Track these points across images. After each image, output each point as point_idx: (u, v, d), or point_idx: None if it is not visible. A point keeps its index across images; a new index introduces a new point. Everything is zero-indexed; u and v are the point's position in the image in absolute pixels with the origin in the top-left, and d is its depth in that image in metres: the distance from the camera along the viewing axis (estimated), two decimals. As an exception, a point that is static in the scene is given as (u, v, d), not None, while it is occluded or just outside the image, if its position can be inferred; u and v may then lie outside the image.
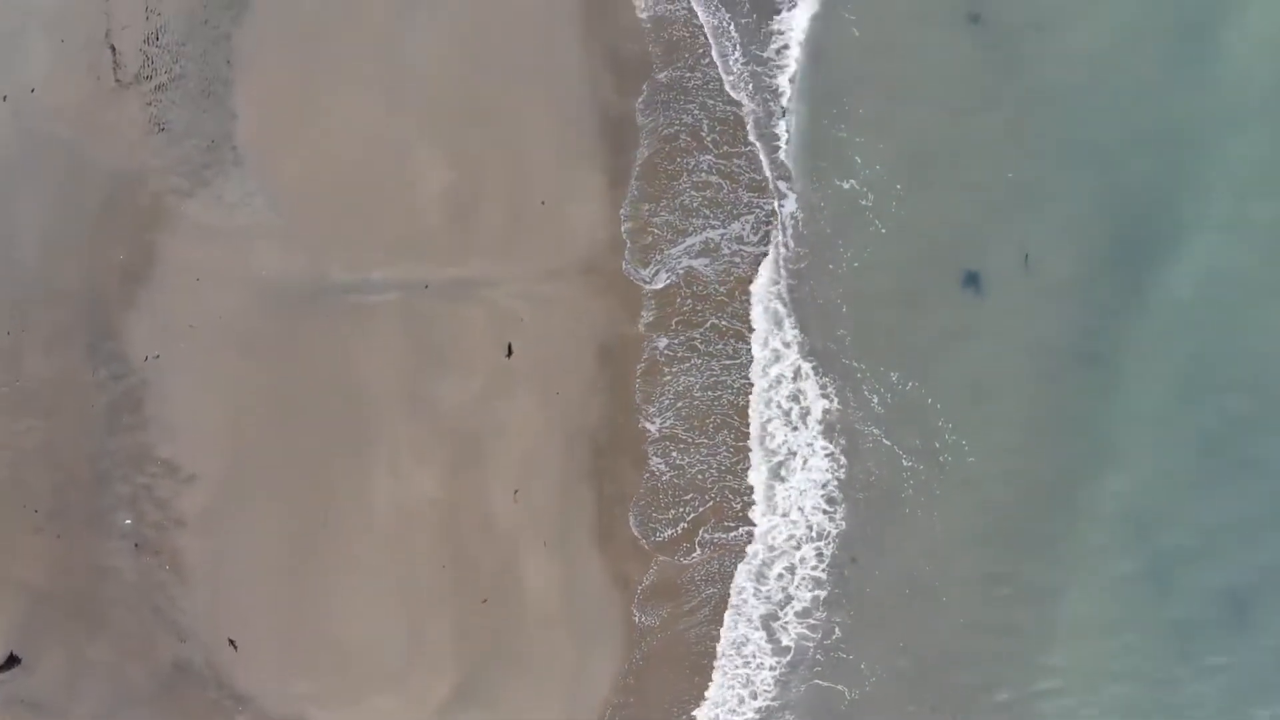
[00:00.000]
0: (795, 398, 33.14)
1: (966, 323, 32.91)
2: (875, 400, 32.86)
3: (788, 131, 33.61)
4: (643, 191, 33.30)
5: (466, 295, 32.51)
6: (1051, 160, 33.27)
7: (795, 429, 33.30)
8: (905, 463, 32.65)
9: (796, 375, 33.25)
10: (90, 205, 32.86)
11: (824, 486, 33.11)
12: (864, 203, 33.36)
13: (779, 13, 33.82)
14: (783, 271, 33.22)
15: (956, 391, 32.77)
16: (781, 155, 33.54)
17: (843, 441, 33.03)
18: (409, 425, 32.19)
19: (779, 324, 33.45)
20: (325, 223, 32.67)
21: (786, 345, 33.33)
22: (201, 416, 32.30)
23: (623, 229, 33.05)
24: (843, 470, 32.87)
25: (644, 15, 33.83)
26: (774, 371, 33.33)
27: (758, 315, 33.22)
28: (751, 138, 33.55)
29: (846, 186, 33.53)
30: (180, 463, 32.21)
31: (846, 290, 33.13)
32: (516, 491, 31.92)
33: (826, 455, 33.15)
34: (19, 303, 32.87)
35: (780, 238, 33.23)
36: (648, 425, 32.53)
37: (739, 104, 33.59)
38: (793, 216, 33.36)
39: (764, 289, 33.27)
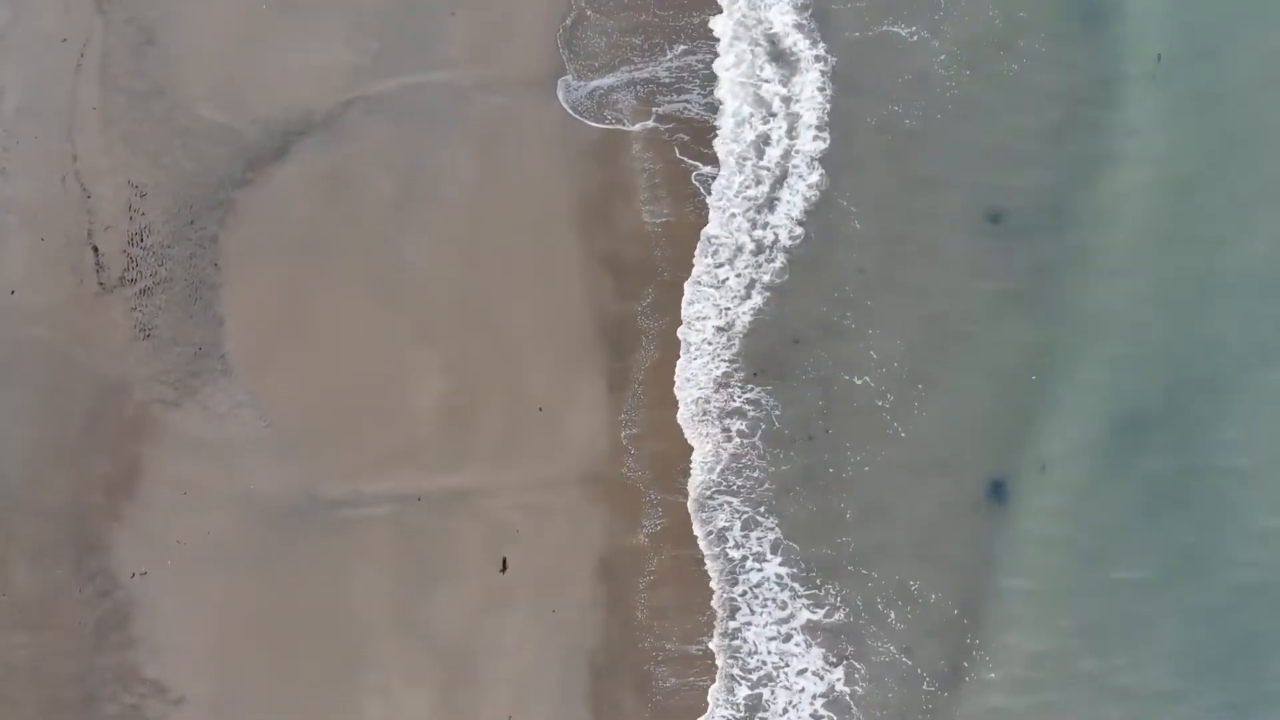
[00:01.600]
0: (783, 619, 32.19)
1: (992, 533, 31.97)
2: (893, 615, 31.86)
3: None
4: (647, 396, 32.37)
5: (460, 507, 31.49)
6: (1074, 365, 32.36)
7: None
8: (926, 687, 31.63)
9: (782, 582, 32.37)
10: (74, 414, 31.92)
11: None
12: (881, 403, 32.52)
13: (789, 213, 32.84)
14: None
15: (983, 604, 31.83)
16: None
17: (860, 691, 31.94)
18: (400, 645, 31.19)
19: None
20: (316, 434, 31.69)
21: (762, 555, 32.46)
22: (190, 636, 31.38)
23: (623, 435, 32.00)
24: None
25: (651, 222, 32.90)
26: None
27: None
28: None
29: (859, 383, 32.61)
30: (169, 684, 31.34)
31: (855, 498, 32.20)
32: (510, 717, 31.01)
33: None
34: (3, 514, 32.09)
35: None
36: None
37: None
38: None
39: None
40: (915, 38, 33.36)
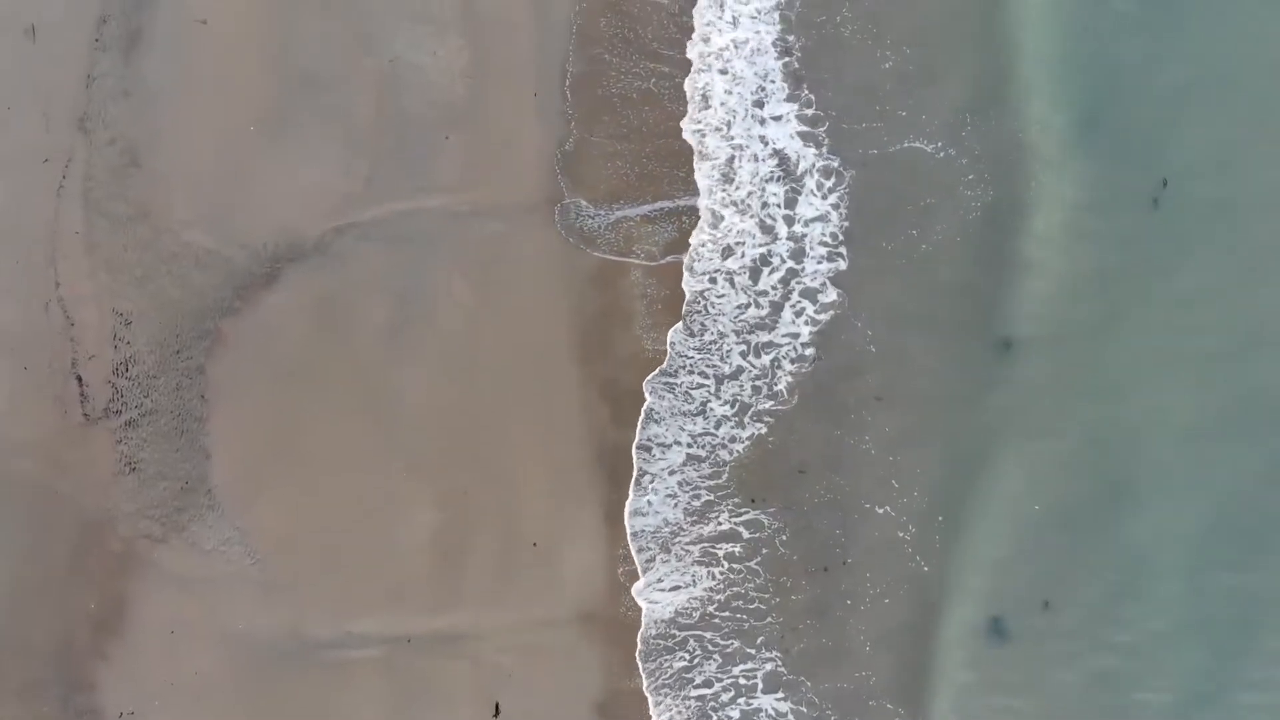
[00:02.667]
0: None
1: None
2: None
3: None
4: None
5: (451, 649, 30.82)
6: (1080, 498, 31.74)
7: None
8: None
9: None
10: (59, 549, 31.20)
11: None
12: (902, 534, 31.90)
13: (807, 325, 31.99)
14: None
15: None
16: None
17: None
18: (392, 791, 30.82)
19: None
20: (305, 572, 30.99)
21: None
22: (178, 777, 31.03)
23: (620, 572, 31.28)
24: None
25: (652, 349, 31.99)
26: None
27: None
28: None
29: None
30: (156, 825, 30.99)
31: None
32: None
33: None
34: (-13, 649, 31.56)
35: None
36: (645, 791, 31.06)
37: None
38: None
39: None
40: (941, 154, 32.71)
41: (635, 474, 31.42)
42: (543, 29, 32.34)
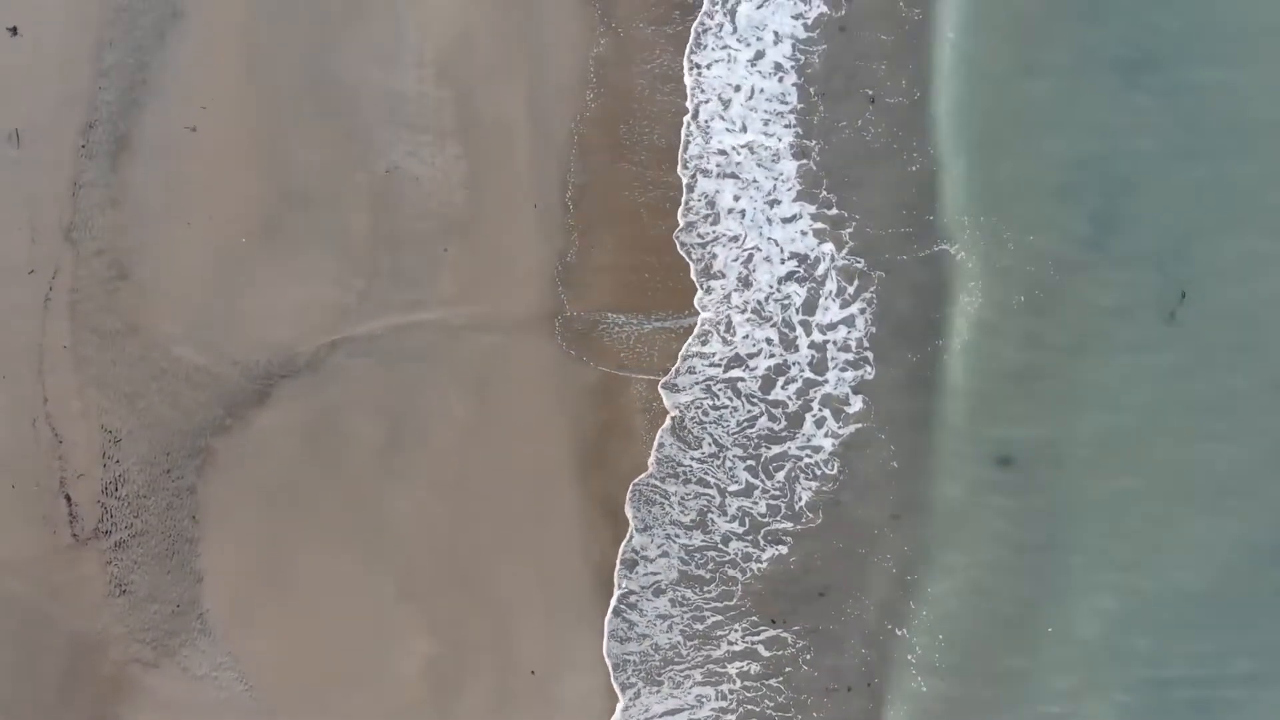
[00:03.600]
0: None
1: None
2: None
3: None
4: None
5: (449, 779, 30.31)
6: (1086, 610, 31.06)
7: None
8: None
9: None
10: (49, 671, 30.43)
11: None
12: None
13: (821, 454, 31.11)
14: None
15: None
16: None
17: None
18: None
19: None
20: (297, 699, 30.30)
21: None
22: None
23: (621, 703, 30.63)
24: None
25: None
26: None
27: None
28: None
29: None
30: None
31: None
32: None
33: None
34: (-23, 772, 31.05)
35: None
36: None
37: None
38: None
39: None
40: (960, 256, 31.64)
41: (616, 595, 30.71)
42: (543, 138, 31.33)
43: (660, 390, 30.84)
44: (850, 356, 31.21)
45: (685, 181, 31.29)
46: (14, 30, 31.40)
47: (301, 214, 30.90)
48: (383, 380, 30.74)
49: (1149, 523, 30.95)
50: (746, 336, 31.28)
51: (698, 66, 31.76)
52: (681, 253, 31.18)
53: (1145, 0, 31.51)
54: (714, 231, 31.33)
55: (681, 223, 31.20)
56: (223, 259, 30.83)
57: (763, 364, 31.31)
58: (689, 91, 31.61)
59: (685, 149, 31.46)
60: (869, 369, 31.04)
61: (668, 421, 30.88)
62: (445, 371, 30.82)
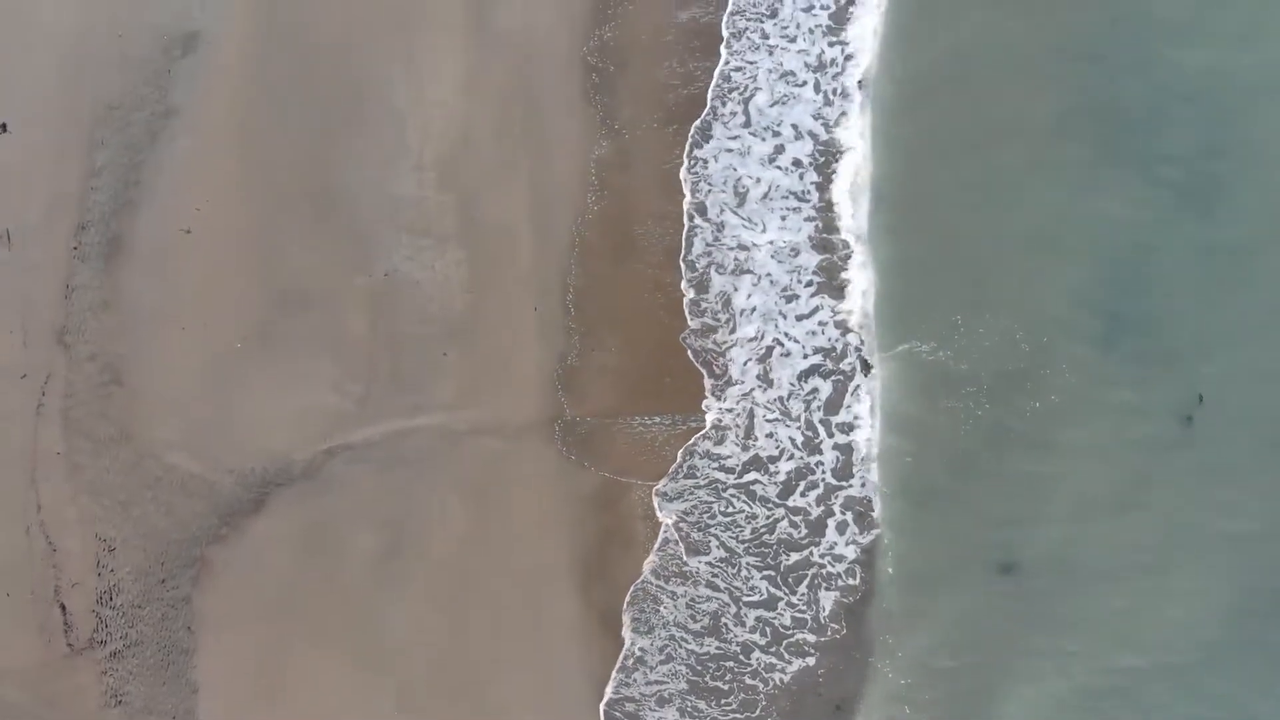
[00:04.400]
0: None
1: None
2: None
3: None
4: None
5: None
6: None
7: None
8: None
9: None
10: (44, 784, 30.38)
11: None
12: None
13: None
14: None
15: None
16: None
17: None
18: None
19: None
20: (295, 817, 30.12)
21: None
22: None
23: (624, 816, 30.36)
24: None
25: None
26: None
27: None
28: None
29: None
30: None
31: None
32: None
33: None
34: None
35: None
36: None
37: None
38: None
39: None
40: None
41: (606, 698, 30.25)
42: (544, 241, 30.91)
43: (654, 496, 30.58)
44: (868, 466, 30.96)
45: (690, 279, 31.06)
46: (3, 127, 30.91)
47: (299, 318, 30.47)
48: (380, 487, 30.30)
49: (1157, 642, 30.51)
50: (753, 438, 30.99)
51: (701, 162, 31.48)
52: (690, 357, 30.88)
53: (1171, 114, 31.43)
54: (724, 331, 31.01)
55: (690, 324, 30.99)
56: (218, 364, 30.36)
57: (783, 466, 31.09)
58: (689, 189, 31.33)
59: (689, 248, 31.20)
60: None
61: (666, 527, 30.62)
62: (444, 477, 30.41)
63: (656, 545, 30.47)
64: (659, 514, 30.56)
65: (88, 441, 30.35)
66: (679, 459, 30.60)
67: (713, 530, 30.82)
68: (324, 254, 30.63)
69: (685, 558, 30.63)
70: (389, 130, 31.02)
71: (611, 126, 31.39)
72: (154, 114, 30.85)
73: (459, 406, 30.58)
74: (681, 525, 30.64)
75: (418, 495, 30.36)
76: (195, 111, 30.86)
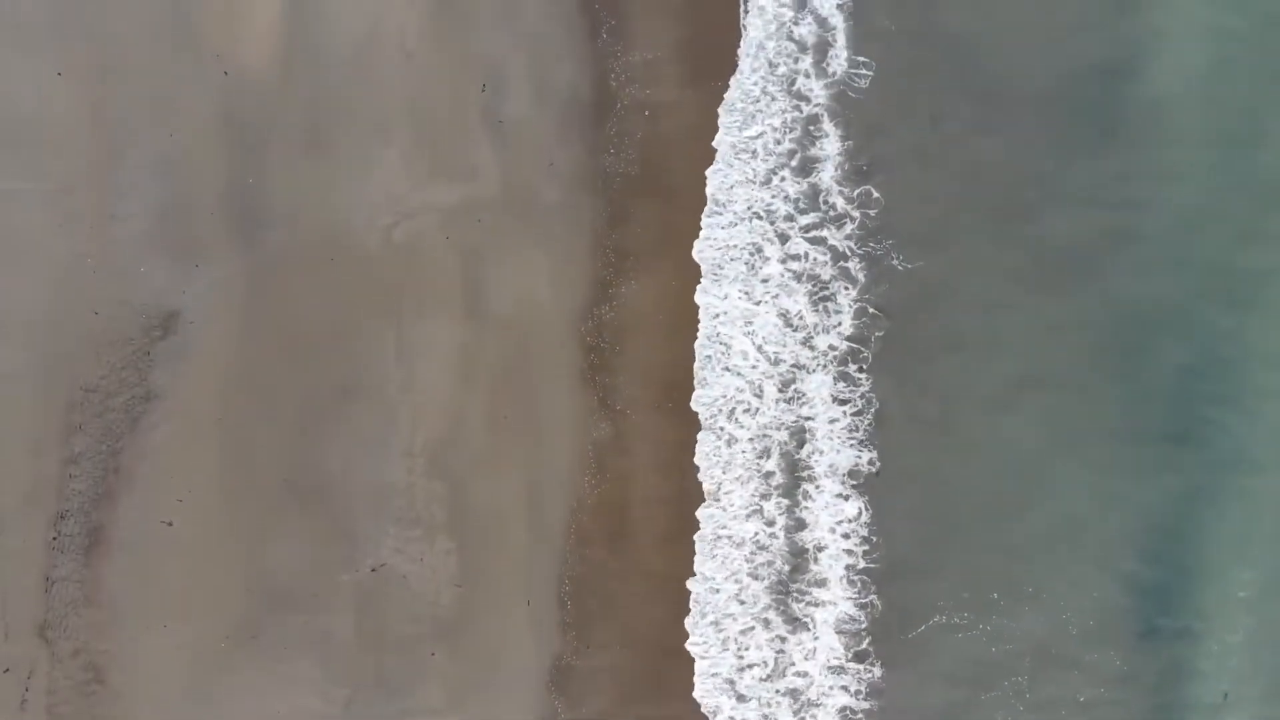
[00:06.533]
0: None
1: None
2: None
3: None
4: None
5: None
6: None
7: None
8: None
9: None
10: None
11: None
12: None
13: None
14: None
15: None
16: None
17: None
18: None
19: None
20: None
21: None
22: None
23: None
24: None
25: None
26: None
27: None
28: None
29: None
30: None
31: None
32: None
33: None
34: None
35: None
36: None
37: None
38: None
39: None
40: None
41: None
42: (537, 529, 29.52)
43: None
44: None
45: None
46: (-22, 409, 29.89)
47: (284, 616, 29.29)
48: (372, 786, 29.47)
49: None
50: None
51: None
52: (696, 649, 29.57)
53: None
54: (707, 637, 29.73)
55: (690, 632, 29.65)
56: (201, 664, 29.21)
57: None
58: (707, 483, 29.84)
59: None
60: None
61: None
62: (439, 796, 29.42)
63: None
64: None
65: (71, 742, 29.68)
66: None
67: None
68: (309, 549, 29.38)
69: None
70: (378, 416, 29.66)
71: (611, 407, 29.89)
72: (133, 398, 29.67)
73: (446, 712, 29.26)
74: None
75: (411, 800, 29.41)
76: (176, 396, 29.64)
